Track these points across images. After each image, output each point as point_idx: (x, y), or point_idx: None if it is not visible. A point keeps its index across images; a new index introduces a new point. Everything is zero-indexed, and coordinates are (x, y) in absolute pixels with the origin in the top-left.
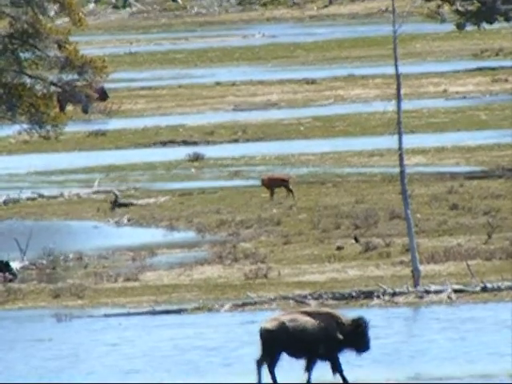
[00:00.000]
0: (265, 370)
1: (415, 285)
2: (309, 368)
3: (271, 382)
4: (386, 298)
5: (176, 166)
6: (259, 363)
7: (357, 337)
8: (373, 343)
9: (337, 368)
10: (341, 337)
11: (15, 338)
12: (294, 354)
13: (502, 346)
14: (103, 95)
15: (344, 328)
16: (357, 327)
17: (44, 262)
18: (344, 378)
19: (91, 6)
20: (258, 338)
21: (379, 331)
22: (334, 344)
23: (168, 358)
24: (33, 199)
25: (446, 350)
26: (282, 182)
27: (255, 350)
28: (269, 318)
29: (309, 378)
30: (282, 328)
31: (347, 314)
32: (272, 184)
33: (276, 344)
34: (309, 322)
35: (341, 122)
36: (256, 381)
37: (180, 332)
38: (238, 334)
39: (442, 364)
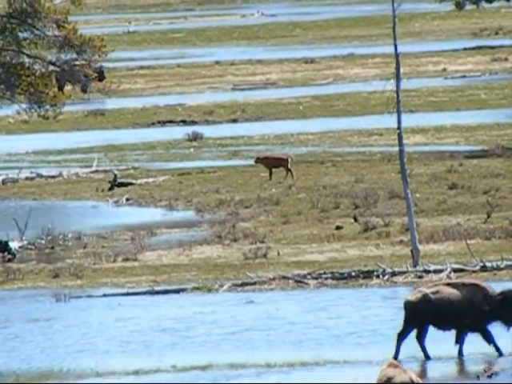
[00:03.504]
0: (405, 343)
1: (415, 264)
2: (459, 340)
3: (422, 354)
4: (386, 277)
5: (175, 146)
6: (399, 336)
7: (505, 310)
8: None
9: (488, 339)
10: (487, 308)
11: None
12: (440, 326)
13: None
14: (100, 75)
15: (491, 300)
16: (505, 300)
17: (43, 241)
18: (498, 349)
19: None
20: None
21: (380, 311)
22: (480, 315)
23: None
24: (31, 179)
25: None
26: (280, 162)
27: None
28: (415, 291)
29: (460, 350)
30: (425, 300)
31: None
32: (267, 163)
33: (419, 316)
34: (453, 293)
35: (340, 102)
36: (394, 354)
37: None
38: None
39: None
